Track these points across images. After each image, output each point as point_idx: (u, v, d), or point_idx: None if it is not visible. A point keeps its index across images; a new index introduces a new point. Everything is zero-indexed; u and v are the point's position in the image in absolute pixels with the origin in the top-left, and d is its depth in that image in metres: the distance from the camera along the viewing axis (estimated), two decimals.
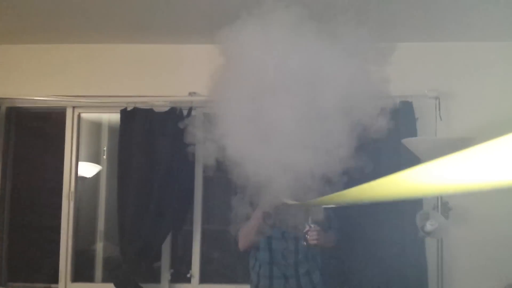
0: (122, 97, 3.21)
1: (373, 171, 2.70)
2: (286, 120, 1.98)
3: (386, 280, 2.86)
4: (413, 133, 2.95)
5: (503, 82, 3.07)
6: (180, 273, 3.25)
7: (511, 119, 2.91)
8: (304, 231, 2.40)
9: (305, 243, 2.39)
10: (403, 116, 2.97)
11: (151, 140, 3.09)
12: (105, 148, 3.64)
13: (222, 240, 3.25)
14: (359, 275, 2.91)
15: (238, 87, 2.04)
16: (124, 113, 3.18)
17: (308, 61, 2.01)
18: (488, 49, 3.13)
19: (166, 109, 3.16)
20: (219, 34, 1.97)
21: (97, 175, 3.58)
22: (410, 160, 2.69)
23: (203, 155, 2.33)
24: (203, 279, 3.23)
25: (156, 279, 3.21)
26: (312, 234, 2.41)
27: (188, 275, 3.23)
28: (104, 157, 3.62)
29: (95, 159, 3.62)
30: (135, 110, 3.17)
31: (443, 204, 2.81)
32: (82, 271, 3.37)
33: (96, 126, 3.65)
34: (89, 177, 3.54)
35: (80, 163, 3.40)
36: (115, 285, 3.08)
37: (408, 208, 2.85)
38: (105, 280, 3.37)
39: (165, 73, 3.28)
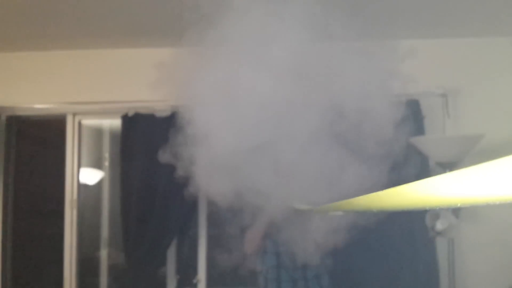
0: (123, 102, 3.17)
1: (381, 174, 2.66)
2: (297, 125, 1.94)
3: (397, 282, 2.81)
4: (420, 131, 2.90)
5: (511, 78, 3.01)
6: (186, 278, 3.21)
7: None
8: (311, 228, 2.38)
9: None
10: (410, 115, 2.92)
11: (153, 145, 3.04)
12: (107, 155, 3.59)
13: (228, 244, 3.20)
14: (369, 277, 2.86)
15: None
16: (125, 118, 3.14)
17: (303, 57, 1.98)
18: (496, 44, 3.07)
19: (168, 113, 3.12)
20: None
21: (100, 182, 3.53)
22: (419, 160, 2.64)
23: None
24: (210, 284, 3.19)
25: (162, 285, 3.16)
26: (318, 232, 2.38)
27: (195, 281, 3.19)
28: (106, 163, 3.57)
29: (97, 166, 3.58)
30: (136, 115, 3.12)
31: None
32: (87, 279, 3.33)
33: (97, 132, 3.61)
34: (91, 184, 3.50)
35: (82, 170, 3.36)
36: None
37: (416, 210, 2.80)
38: (111, 286, 3.33)
39: (166, 76, 3.23)
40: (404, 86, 2.99)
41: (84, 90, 3.25)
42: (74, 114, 3.32)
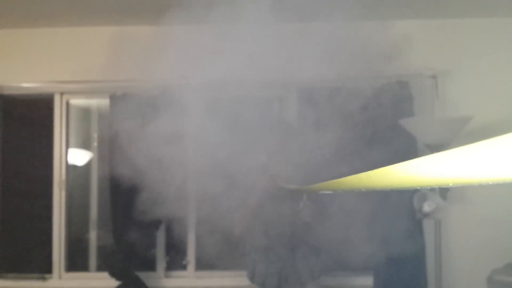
0: (111, 82, 3.13)
1: (371, 153, 2.67)
2: None
3: (384, 261, 2.83)
4: (410, 113, 2.90)
5: (501, 59, 3.01)
6: (176, 260, 3.21)
7: (509, 98, 2.86)
8: (299, 208, 2.40)
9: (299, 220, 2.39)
10: (399, 96, 2.92)
11: (143, 125, 3.02)
12: (95, 135, 3.56)
13: (217, 226, 3.19)
14: (356, 258, 2.88)
15: None
16: (114, 98, 3.11)
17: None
18: (486, 26, 3.06)
19: (156, 93, 3.09)
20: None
21: (88, 162, 3.50)
22: (408, 140, 2.65)
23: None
24: (198, 267, 3.20)
25: (152, 267, 3.16)
26: (306, 212, 2.40)
27: (184, 263, 3.19)
28: (95, 144, 3.54)
29: (86, 146, 3.55)
30: (125, 95, 3.09)
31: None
32: (76, 260, 3.32)
33: (86, 112, 3.57)
34: (80, 165, 3.47)
35: (71, 151, 3.33)
36: (109, 274, 3.04)
37: (405, 189, 2.81)
38: (99, 269, 3.33)
39: (155, 56, 3.19)
40: (395, 67, 2.99)
41: (72, 69, 3.20)
42: (62, 94, 3.27)
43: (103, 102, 3.24)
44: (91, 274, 3.33)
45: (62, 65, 3.21)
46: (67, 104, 3.30)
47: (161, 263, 3.16)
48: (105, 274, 3.07)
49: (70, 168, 3.32)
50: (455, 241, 2.99)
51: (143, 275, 3.05)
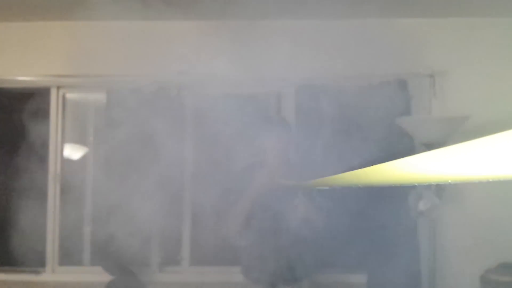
0: (109, 76, 3.12)
1: (368, 152, 2.67)
2: None
3: (378, 259, 2.84)
4: (407, 112, 2.90)
5: (499, 60, 3.02)
6: (170, 255, 3.21)
7: (506, 98, 2.87)
8: (294, 205, 2.40)
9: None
10: (397, 95, 2.92)
11: (139, 120, 3.01)
12: (91, 130, 3.54)
13: (212, 221, 3.19)
14: (350, 255, 2.88)
15: None
16: (111, 93, 3.10)
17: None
18: (484, 25, 3.07)
19: (154, 88, 3.08)
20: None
21: (84, 157, 3.49)
22: (405, 139, 2.66)
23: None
24: (193, 262, 3.19)
25: (146, 262, 3.15)
26: (301, 208, 2.40)
27: (178, 258, 3.19)
28: (91, 138, 3.52)
29: (82, 141, 3.53)
30: (122, 90, 3.08)
31: (437, 184, 2.78)
32: (69, 254, 3.30)
33: (82, 107, 3.55)
34: (75, 159, 3.45)
35: (66, 145, 3.32)
36: (103, 268, 3.04)
37: (401, 188, 2.82)
38: (93, 263, 3.32)
39: (153, 51, 3.18)
40: (393, 65, 3.00)
41: (69, 63, 3.19)
42: (58, 88, 3.26)
43: (99, 97, 3.23)
44: (84, 268, 3.32)
45: (59, 59, 3.20)
46: (64, 98, 3.29)
47: (155, 258, 3.15)
48: (99, 268, 3.06)
49: (66, 163, 3.31)
50: (449, 240, 3.01)
51: (137, 270, 3.04)
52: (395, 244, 2.84)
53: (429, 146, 2.61)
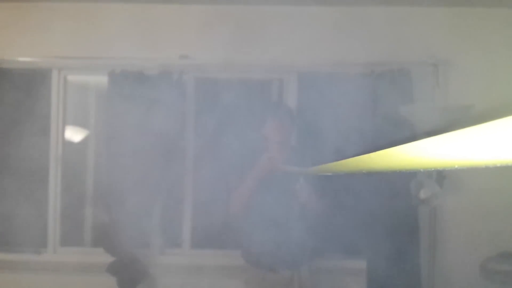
0: (111, 59, 3.11)
1: (370, 139, 2.67)
2: None
3: (378, 245, 2.85)
4: (410, 100, 2.90)
5: (503, 49, 3.01)
6: (171, 238, 3.23)
7: (510, 87, 2.86)
8: (295, 190, 2.42)
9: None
10: (400, 84, 2.92)
11: (141, 103, 3.01)
12: (93, 112, 3.53)
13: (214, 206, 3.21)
14: (351, 240, 2.90)
15: None
16: (112, 75, 3.09)
17: None
18: (489, 15, 3.05)
19: (156, 72, 3.07)
20: None
21: (85, 139, 3.49)
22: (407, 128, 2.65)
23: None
24: (194, 245, 3.22)
25: (147, 244, 3.17)
26: (302, 193, 2.42)
27: (179, 241, 3.21)
28: (92, 121, 3.52)
29: (83, 123, 3.53)
30: (124, 72, 3.07)
31: (438, 173, 2.79)
32: (71, 235, 3.33)
33: (83, 89, 3.54)
34: (76, 142, 3.46)
35: (68, 127, 3.31)
36: (104, 249, 3.06)
37: (402, 175, 2.82)
38: (94, 244, 3.34)
39: (155, 34, 3.16)
40: (396, 54, 2.98)
41: (71, 45, 3.17)
42: (60, 69, 3.24)
43: (101, 79, 3.21)
44: (86, 249, 3.34)
45: (61, 41, 3.17)
46: (65, 80, 3.27)
47: (156, 240, 3.17)
48: (100, 250, 3.08)
49: (67, 145, 3.31)
50: (450, 228, 3.03)
51: (137, 252, 3.06)
52: (395, 231, 2.86)
53: (432, 135, 2.60)
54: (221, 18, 3.10)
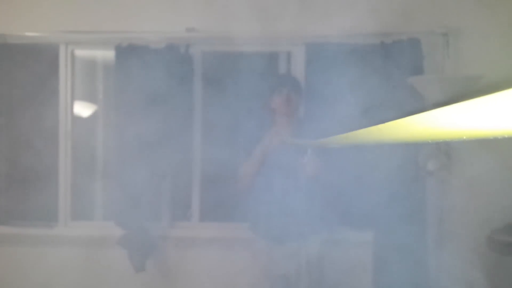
0: (117, 33, 3.09)
1: (379, 111, 2.65)
2: None
3: (385, 217, 2.85)
4: (420, 71, 2.85)
5: None
6: (181, 211, 3.26)
7: None
8: (302, 161, 2.42)
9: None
10: (410, 54, 2.87)
11: (148, 77, 3.00)
12: (101, 87, 3.54)
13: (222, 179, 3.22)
14: (358, 212, 2.90)
15: None
16: (119, 49, 3.07)
17: None
18: None
19: (163, 45, 3.05)
20: None
21: (94, 114, 3.50)
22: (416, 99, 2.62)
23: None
24: (202, 218, 3.25)
25: (157, 217, 3.21)
26: (310, 166, 2.42)
27: (188, 214, 3.25)
28: (100, 96, 3.53)
29: (91, 98, 3.53)
30: (131, 46, 3.06)
31: (446, 144, 2.76)
32: (81, 209, 3.37)
33: (91, 64, 3.53)
34: (85, 117, 3.47)
35: (76, 103, 3.33)
36: (115, 223, 3.10)
37: (411, 146, 2.80)
38: (105, 218, 3.39)
39: (162, 7, 3.13)
40: (406, 24, 2.92)
41: (77, 19, 3.15)
42: (67, 44, 3.23)
43: (108, 53, 3.21)
44: (96, 223, 3.39)
45: (68, 15, 3.16)
46: (72, 54, 3.27)
47: (166, 213, 3.21)
48: (111, 223, 3.13)
49: (76, 120, 3.32)
50: (457, 200, 3.01)
51: (148, 225, 3.11)
52: (403, 203, 2.85)
53: (441, 106, 2.57)
54: None
